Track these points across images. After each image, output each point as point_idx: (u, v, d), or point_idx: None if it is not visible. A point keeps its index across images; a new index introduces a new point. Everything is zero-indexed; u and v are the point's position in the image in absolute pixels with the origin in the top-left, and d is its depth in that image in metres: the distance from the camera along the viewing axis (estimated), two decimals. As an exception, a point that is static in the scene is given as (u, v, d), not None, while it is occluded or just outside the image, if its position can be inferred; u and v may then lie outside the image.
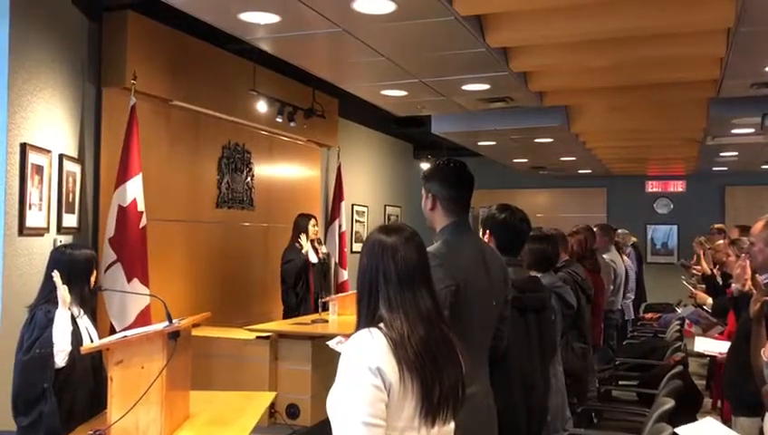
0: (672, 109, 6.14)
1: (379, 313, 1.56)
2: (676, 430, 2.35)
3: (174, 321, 2.55)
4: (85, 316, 2.81)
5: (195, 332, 4.26)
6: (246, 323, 5.29)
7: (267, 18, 3.50)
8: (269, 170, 6.66)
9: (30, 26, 3.86)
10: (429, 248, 2.03)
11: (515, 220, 2.60)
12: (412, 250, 1.61)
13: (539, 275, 3.01)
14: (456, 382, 1.57)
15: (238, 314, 5.97)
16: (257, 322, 5.51)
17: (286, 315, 5.85)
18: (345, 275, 7.41)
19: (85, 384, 2.72)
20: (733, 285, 3.44)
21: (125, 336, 2.51)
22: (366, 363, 1.48)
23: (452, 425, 1.59)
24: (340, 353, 1.54)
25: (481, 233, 2.65)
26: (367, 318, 1.57)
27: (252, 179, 6.36)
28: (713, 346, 4.03)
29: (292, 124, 6.40)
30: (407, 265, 1.58)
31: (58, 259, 2.73)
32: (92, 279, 2.82)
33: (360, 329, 1.56)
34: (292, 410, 4.94)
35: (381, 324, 1.54)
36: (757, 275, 2.71)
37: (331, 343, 2.45)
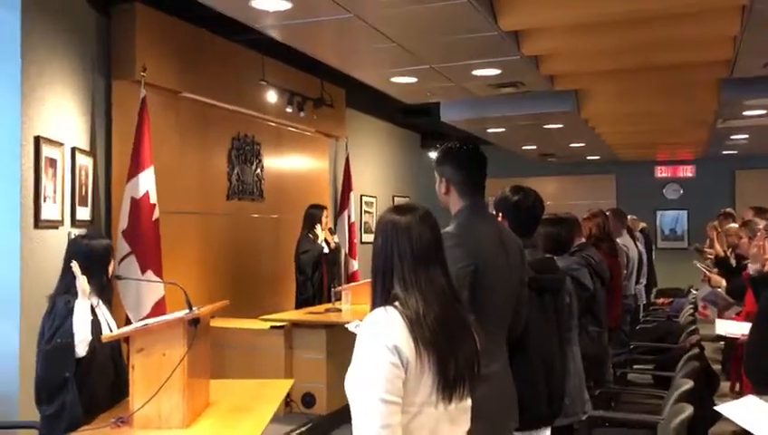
0: (683, 91, 6.10)
1: (393, 292, 1.57)
2: (718, 408, 2.34)
3: (194, 308, 2.56)
4: (103, 306, 2.82)
5: (211, 322, 4.29)
6: (258, 315, 5.30)
7: (278, 5, 3.49)
8: (278, 162, 6.66)
9: (40, 20, 3.87)
10: (446, 229, 2.05)
11: (529, 202, 2.59)
12: (426, 228, 1.62)
13: (554, 257, 3.00)
14: (471, 359, 1.58)
15: (250, 306, 6.00)
16: (270, 312, 5.53)
17: (300, 306, 5.86)
18: (355, 265, 7.43)
19: (105, 374, 2.74)
20: (750, 265, 3.42)
21: (146, 324, 2.52)
22: (383, 342, 1.49)
23: (469, 402, 1.60)
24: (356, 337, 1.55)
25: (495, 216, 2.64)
26: (382, 297, 1.58)
27: (261, 171, 6.37)
28: (735, 328, 4.01)
29: (301, 114, 6.40)
30: (421, 243, 1.59)
31: (76, 249, 2.74)
32: (110, 269, 2.83)
33: (375, 308, 1.57)
34: (308, 399, 4.96)
35: (397, 303, 1.55)
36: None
37: (350, 326, 2.46)
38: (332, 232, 6.36)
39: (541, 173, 11.00)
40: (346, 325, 2.60)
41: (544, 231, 3.13)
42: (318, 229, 5.94)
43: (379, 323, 1.52)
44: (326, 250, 6.01)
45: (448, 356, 1.53)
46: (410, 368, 1.50)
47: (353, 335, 1.62)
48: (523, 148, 9.14)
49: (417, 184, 10.19)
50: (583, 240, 4.10)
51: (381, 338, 1.49)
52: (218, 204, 5.80)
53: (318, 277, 5.90)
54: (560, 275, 2.69)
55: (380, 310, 1.54)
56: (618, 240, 5.69)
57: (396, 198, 9.60)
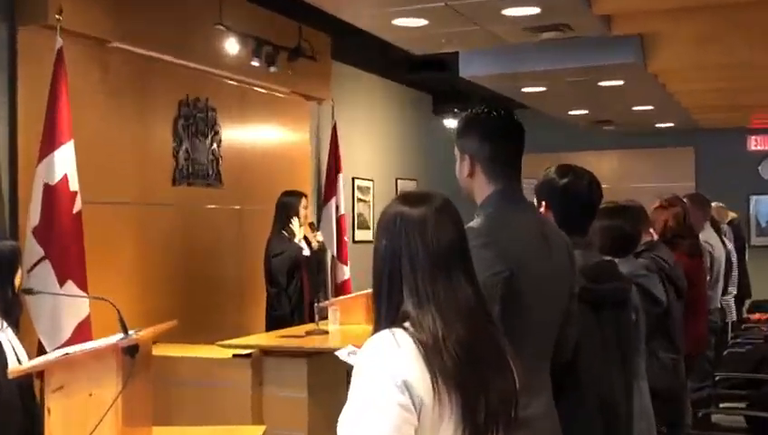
0: (785, 35, 6.08)
1: (403, 308, 1.59)
2: None
3: (130, 332, 2.56)
4: (9, 329, 2.83)
5: (153, 351, 4.30)
6: (218, 338, 5.30)
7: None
8: (241, 134, 6.68)
9: None
10: (470, 224, 2.07)
11: (582, 186, 2.60)
12: (446, 224, 1.64)
13: (614, 260, 3.00)
14: (507, 398, 1.60)
15: (207, 328, 5.99)
16: (233, 335, 5.52)
17: (273, 327, 5.89)
18: (346, 271, 7.45)
19: (12, 420, 2.74)
20: None
21: (66, 354, 2.52)
22: (389, 376, 1.50)
23: None
24: (350, 367, 1.61)
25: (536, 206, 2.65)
26: (387, 316, 1.60)
27: (219, 147, 6.38)
28: None
29: (272, 69, 6.39)
30: (440, 244, 1.61)
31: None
32: (17, 280, 2.83)
33: (378, 330, 1.59)
34: (284, 452, 4.97)
35: (407, 323, 1.57)
36: None
37: (341, 354, 2.47)
38: (314, 228, 6.35)
39: (594, 146, 10.98)
40: (336, 353, 2.60)
41: (601, 225, 3.15)
42: (294, 224, 5.98)
43: (384, 350, 1.54)
44: (306, 252, 6.03)
45: (477, 395, 1.55)
46: (425, 411, 1.51)
47: (345, 366, 1.63)
48: (571, 113, 9.11)
49: (429, 163, 10.20)
50: (653, 237, 4.10)
51: (387, 371, 1.51)
52: (161, 191, 5.81)
53: (296, 288, 5.95)
54: (623, 285, 2.71)
55: (385, 333, 1.56)
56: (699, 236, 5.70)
57: (400, 182, 9.59)
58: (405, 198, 1.69)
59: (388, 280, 1.62)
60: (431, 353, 1.52)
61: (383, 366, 1.51)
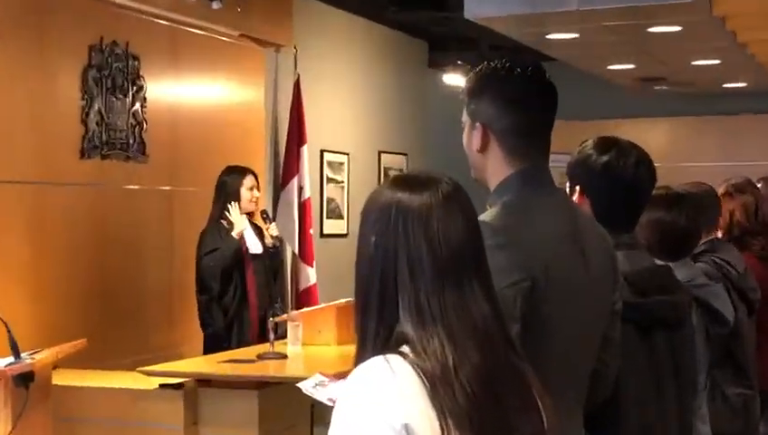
0: None
1: (399, 328, 1.61)
2: None
3: (23, 355, 2.56)
4: None
5: (53, 378, 4.28)
6: (141, 363, 5.30)
7: None
8: (173, 92, 6.68)
9: None
10: (482, 217, 2.07)
11: (627, 165, 2.61)
12: (455, 217, 1.65)
13: (670, 265, 3.03)
14: None
15: (125, 348, 5.98)
16: (160, 359, 5.52)
17: (210, 346, 5.92)
18: (311, 275, 7.46)
19: None
20: None
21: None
22: (384, 418, 1.52)
23: None
24: (318, 403, 1.59)
25: (567, 191, 2.66)
26: (378, 338, 1.62)
27: (143, 108, 6.37)
28: None
29: (215, 5, 6.39)
30: (447, 243, 1.63)
31: None
32: None
33: (366, 357, 1.60)
34: None
35: (406, 348, 1.58)
36: None
37: (306, 386, 2.48)
38: (267, 217, 6.34)
39: (641, 113, 11.00)
40: (299, 385, 2.61)
41: (648, 218, 3.15)
42: (233, 211, 5.99)
43: (377, 384, 1.55)
44: (256, 249, 6.03)
45: None
46: None
47: (310, 401, 1.64)
48: (611, 68, 9.11)
49: (424, 131, 10.18)
50: (717, 233, 4.12)
51: (381, 412, 1.52)
52: (66, 167, 5.80)
53: (237, 297, 6.02)
54: (681, 298, 2.73)
55: (377, 361, 1.57)
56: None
57: (384, 157, 9.59)
58: (401, 181, 1.70)
59: (379, 291, 1.63)
60: (439, 388, 1.53)
61: (376, 405, 1.53)
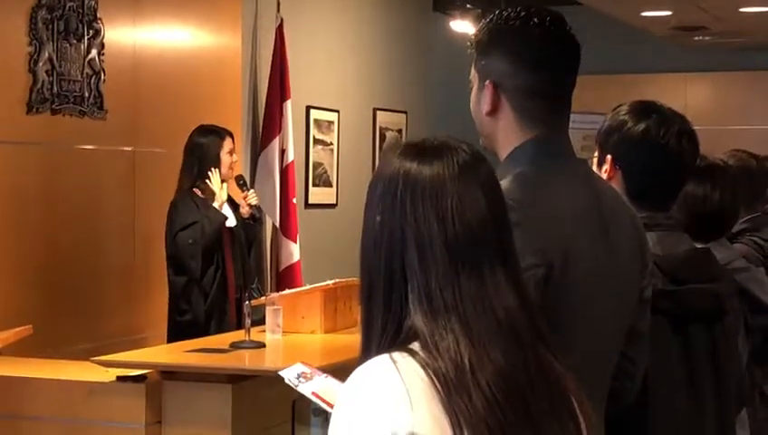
0: None
1: (409, 322, 1.60)
2: None
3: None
4: None
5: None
6: (96, 351, 5.30)
7: None
8: (135, 36, 6.63)
9: None
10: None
11: (669, 134, 2.64)
12: (473, 191, 1.65)
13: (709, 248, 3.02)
14: None
15: (77, 334, 5.99)
16: (118, 348, 5.53)
17: (178, 336, 5.89)
18: (294, 251, 7.47)
19: None
20: None
21: None
22: (388, 428, 1.51)
23: None
24: (300, 397, 1.59)
25: (594, 162, 2.64)
26: (385, 333, 1.62)
27: (100, 55, 6.35)
28: None
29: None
30: (462, 222, 1.62)
31: None
32: None
33: (369, 355, 1.60)
34: None
35: (416, 345, 1.58)
36: None
37: (288, 376, 2.48)
38: (244, 184, 6.33)
39: (680, 67, 11.05)
40: (280, 373, 2.58)
41: (686, 193, 3.15)
42: (213, 180, 5.97)
43: (380, 388, 1.54)
44: (230, 222, 6.00)
45: None
46: None
47: (293, 395, 1.63)
48: (644, 15, 9.14)
49: (426, 86, 10.17)
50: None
51: (384, 420, 1.52)
52: (11, 123, 5.83)
53: (216, 278, 5.97)
54: (725, 287, 2.71)
55: (381, 361, 1.56)
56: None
57: (381, 115, 9.57)
58: (411, 149, 1.68)
59: (385, 279, 1.63)
60: (453, 391, 1.53)
61: (379, 412, 1.52)
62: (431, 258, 1.60)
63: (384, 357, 1.56)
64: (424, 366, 1.54)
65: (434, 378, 1.53)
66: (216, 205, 6.02)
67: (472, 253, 1.61)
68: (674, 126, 2.63)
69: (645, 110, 2.66)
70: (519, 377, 1.58)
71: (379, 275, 1.63)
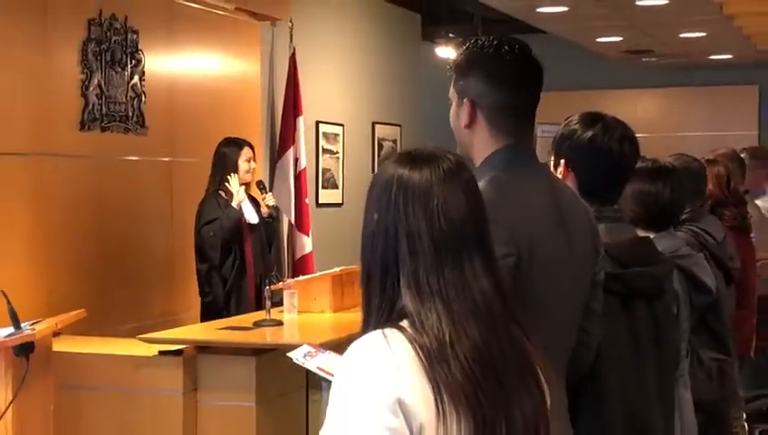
0: None
1: (399, 302, 1.61)
2: None
3: (23, 325, 2.56)
4: None
5: (55, 345, 4.30)
6: (140, 330, 5.32)
7: None
8: (171, 64, 6.68)
9: None
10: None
11: (611, 140, 2.62)
12: (456, 193, 1.65)
13: (650, 236, 3.04)
14: (534, 421, 1.62)
15: (125, 316, 6.00)
16: (159, 327, 5.55)
17: (208, 314, 5.94)
18: (307, 244, 7.47)
19: None
20: None
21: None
22: (378, 393, 1.52)
23: None
24: (307, 372, 1.58)
25: (552, 165, 2.67)
26: (381, 313, 1.63)
27: (141, 81, 6.36)
28: None
29: (210, -20, 6.36)
30: (447, 220, 1.63)
31: None
32: None
33: (368, 330, 1.61)
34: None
35: (405, 322, 1.59)
36: None
37: (296, 356, 2.49)
38: (264, 188, 6.35)
39: (630, 84, 10.99)
40: (289, 354, 2.61)
41: (632, 189, 3.18)
42: (232, 182, 6.04)
43: (373, 358, 1.55)
44: (252, 219, 6.04)
45: (495, 417, 1.56)
46: None
47: (306, 370, 1.63)
48: (600, 41, 9.11)
49: (417, 103, 10.15)
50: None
51: (375, 387, 1.52)
52: (66, 138, 5.80)
53: (234, 267, 6.04)
54: (662, 269, 2.74)
55: (375, 335, 1.58)
56: (758, 202, 5.72)
57: (378, 128, 9.57)
58: (405, 157, 1.70)
59: (381, 267, 1.64)
60: (436, 362, 1.54)
61: (371, 380, 1.52)
62: (419, 250, 1.60)
63: (377, 333, 1.57)
64: (411, 341, 1.55)
65: (419, 351, 1.54)
66: (233, 204, 6.05)
67: (454, 245, 1.61)
68: (616, 132, 2.61)
69: (591, 119, 2.64)
70: (493, 351, 1.58)
71: (376, 264, 1.64)
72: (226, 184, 6.07)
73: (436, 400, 1.52)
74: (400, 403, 1.51)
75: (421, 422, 1.51)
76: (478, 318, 1.59)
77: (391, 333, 1.57)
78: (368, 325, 1.63)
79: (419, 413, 1.51)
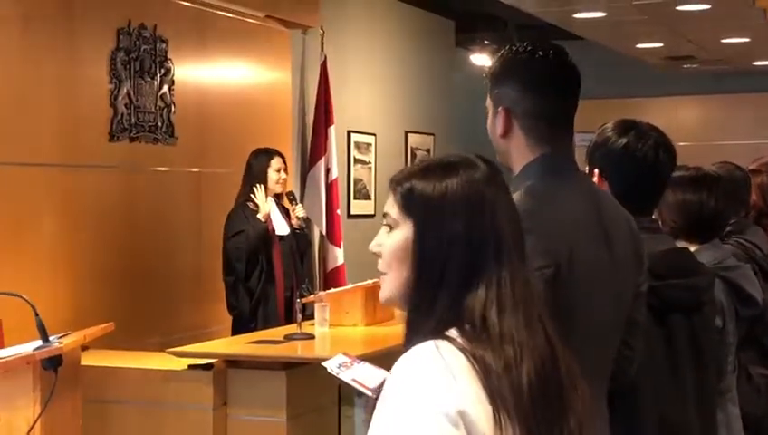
0: None
1: (457, 311, 1.59)
2: None
3: (52, 338, 2.57)
4: None
5: (83, 359, 4.31)
6: (170, 344, 5.34)
7: None
8: (200, 74, 6.72)
9: None
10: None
11: (646, 147, 2.61)
12: (503, 200, 1.67)
13: (691, 248, 3.01)
14: (579, 432, 1.63)
15: (154, 329, 6.02)
16: (188, 340, 5.56)
17: (238, 328, 5.96)
18: (339, 255, 7.46)
19: None
20: None
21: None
22: (438, 403, 1.50)
23: None
24: (343, 383, 1.57)
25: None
26: (442, 319, 1.60)
27: (171, 90, 6.38)
28: None
29: (241, -13, 6.39)
30: (509, 228, 1.65)
31: None
32: None
33: (417, 339, 1.59)
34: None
35: (453, 332, 1.58)
36: None
37: (330, 366, 2.48)
38: (293, 198, 6.35)
39: (670, 91, 10.94)
40: (323, 364, 2.59)
41: (675, 199, 3.14)
42: (258, 193, 6.05)
43: (430, 368, 1.53)
44: (283, 231, 6.05)
45: (551, 431, 1.59)
46: None
47: (337, 382, 1.62)
48: (639, 47, 9.07)
49: (450, 111, 10.14)
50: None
51: (434, 396, 1.51)
52: (95, 149, 5.83)
53: (260, 279, 6.07)
54: (701, 281, 2.71)
55: (426, 347, 1.56)
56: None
57: (410, 137, 9.57)
58: (473, 164, 1.68)
59: (439, 277, 1.61)
60: (492, 375, 1.54)
61: (429, 389, 1.51)
62: (505, 259, 1.61)
63: (429, 343, 1.55)
64: (463, 350, 1.54)
65: (473, 361, 1.53)
66: (259, 216, 6.06)
67: (518, 255, 1.64)
68: (650, 140, 2.60)
69: (625, 126, 2.63)
70: (547, 365, 1.59)
71: (434, 274, 1.61)
72: (252, 195, 6.08)
73: (494, 411, 1.52)
74: (462, 414, 1.50)
75: (483, 434, 1.51)
76: (537, 329, 1.61)
77: (443, 344, 1.56)
78: (418, 333, 1.59)
79: (480, 425, 1.51)
